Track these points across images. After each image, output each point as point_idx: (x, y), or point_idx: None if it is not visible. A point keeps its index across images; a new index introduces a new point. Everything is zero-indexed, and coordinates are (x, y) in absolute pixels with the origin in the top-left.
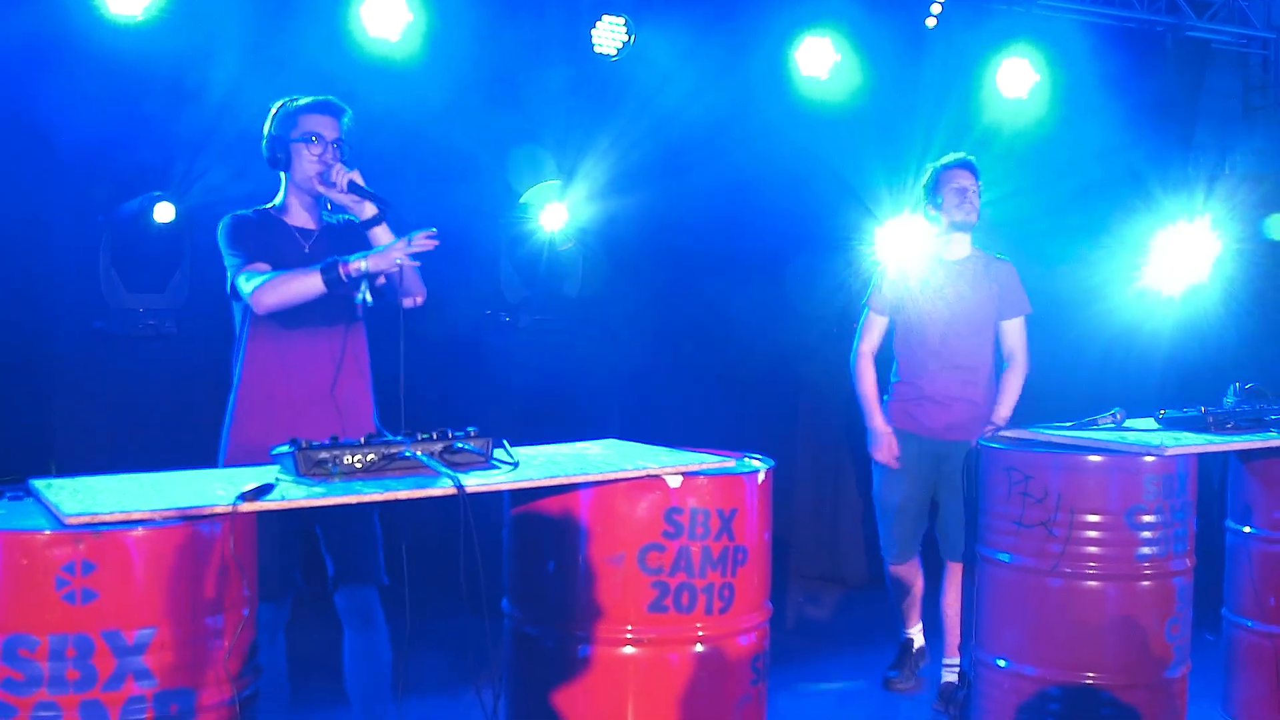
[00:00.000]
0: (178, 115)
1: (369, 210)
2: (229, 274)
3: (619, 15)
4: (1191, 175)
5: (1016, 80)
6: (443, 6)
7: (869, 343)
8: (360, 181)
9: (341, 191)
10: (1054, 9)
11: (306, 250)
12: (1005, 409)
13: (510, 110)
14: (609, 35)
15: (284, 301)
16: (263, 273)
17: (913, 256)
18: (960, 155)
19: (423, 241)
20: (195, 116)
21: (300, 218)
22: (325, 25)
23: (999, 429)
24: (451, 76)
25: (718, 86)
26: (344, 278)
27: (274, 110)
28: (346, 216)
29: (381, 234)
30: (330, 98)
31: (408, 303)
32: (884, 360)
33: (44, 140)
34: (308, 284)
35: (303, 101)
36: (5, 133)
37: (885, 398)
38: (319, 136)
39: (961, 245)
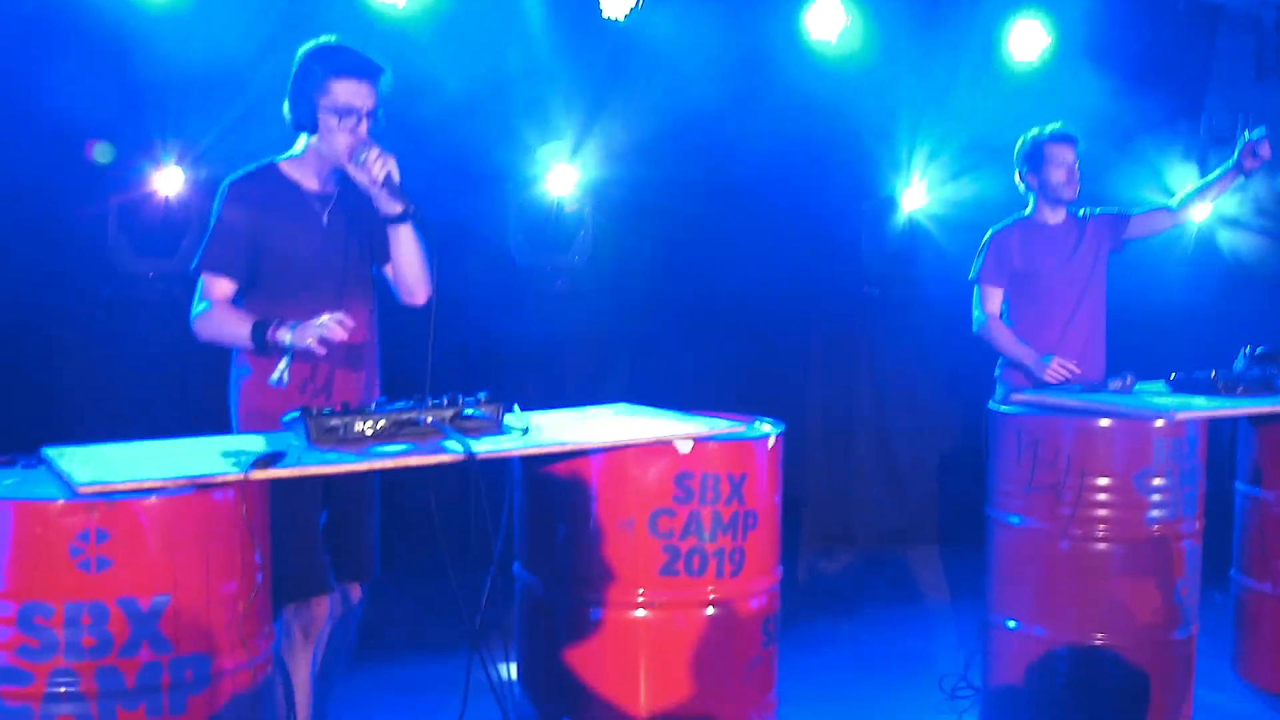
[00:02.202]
0: (185, 83)
1: (396, 208)
2: (198, 254)
3: None
4: (1203, 138)
5: (1027, 43)
6: None
7: (992, 308)
8: (396, 176)
9: (373, 183)
10: None
11: (325, 221)
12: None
13: (517, 74)
14: None
15: (214, 342)
16: (212, 296)
17: (1017, 226)
18: (1062, 126)
19: (334, 328)
20: (203, 84)
21: (317, 180)
22: None
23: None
24: (457, 42)
25: (727, 49)
26: (269, 344)
27: (300, 60)
28: None
29: (404, 234)
30: (367, 57)
31: (406, 300)
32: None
33: (51, 110)
34: (238, 336)
35: (334, 62)
36: (14, 103)
37: (998, 373)
38: (353, 110)
39: (1060, 211)
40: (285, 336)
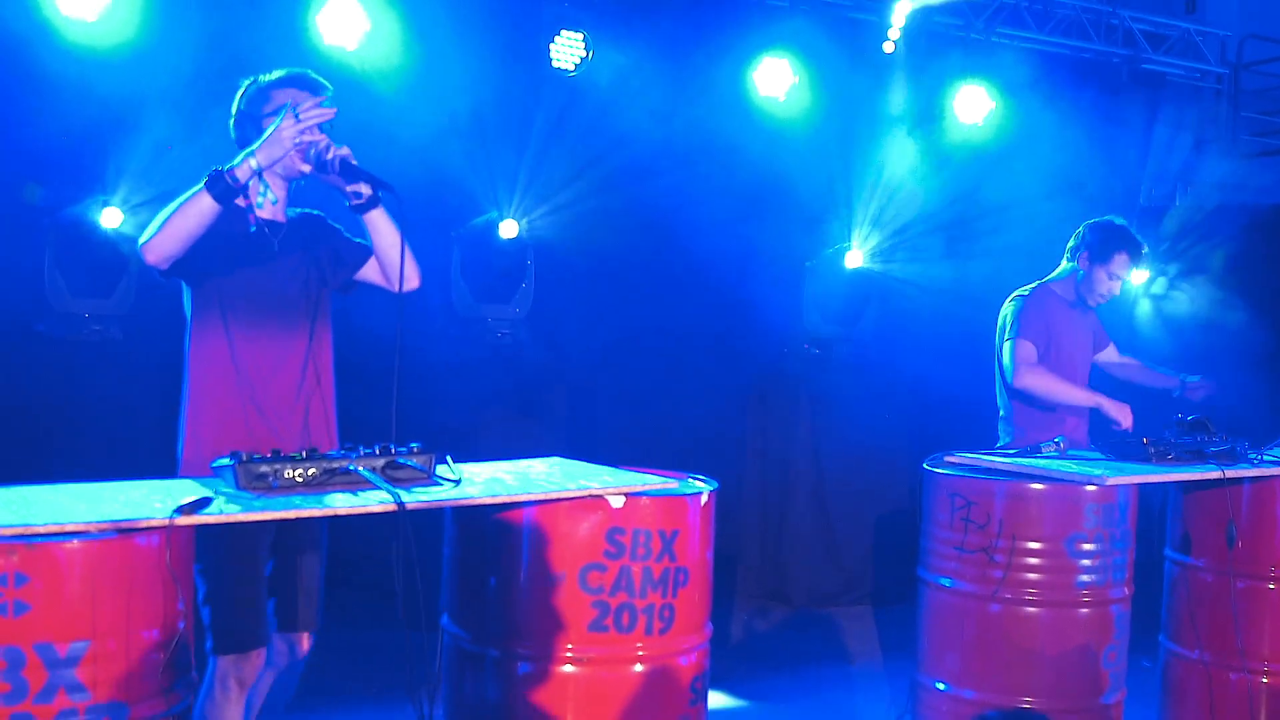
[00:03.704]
0: (127, 118)
1: (364, 191)
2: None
3: (577, 30)
4: (1144, 206)
5: (973, 107)
6: (402, 18)
7: (1028, 358)
8: (353, 160)
9: (333, 173)
10: (1011, 38)
11: (276, 247)
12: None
13: (467, 122)
14: (567, 50)
15: (177, 239)
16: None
17: (1044, 292)
18: (1142, 244)
19: (313, 111)
20: (145, 120)
21: (268, 208)
22: (280, 30)
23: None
24: (408, 86)
25: (675, 103)
26: (233, 184)
27: (243, 87)
28: (309, 210)
29: (380, 219)
30: (307, 70)
31: (406, 287)
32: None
33: None
34: (196, 207)
35: (276, 75)
36: None
37: (1007, 437)
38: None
39: (1072, 295)
40: (251, 164)
